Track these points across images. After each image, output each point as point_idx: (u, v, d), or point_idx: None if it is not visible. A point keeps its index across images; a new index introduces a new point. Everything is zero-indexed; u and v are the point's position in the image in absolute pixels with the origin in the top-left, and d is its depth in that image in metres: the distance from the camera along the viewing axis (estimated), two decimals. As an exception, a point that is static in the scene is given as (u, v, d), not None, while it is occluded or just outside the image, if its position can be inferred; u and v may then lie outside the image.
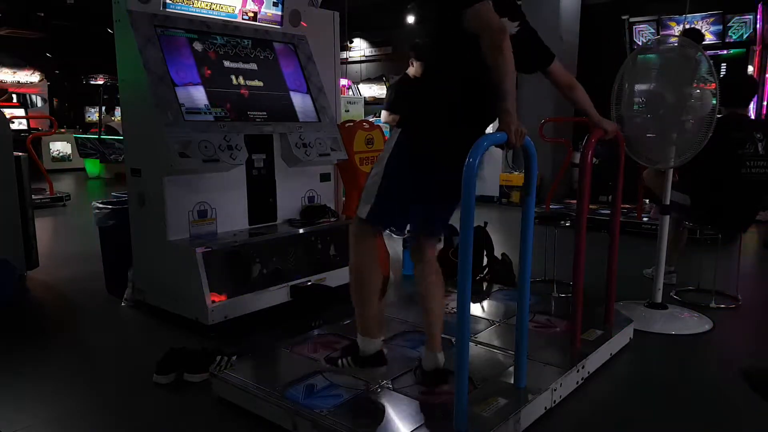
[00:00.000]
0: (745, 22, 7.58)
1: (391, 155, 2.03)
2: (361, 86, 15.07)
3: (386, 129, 4.34)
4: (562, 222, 3.79)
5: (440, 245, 2.15)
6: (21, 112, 12.35)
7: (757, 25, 7.13)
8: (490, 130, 1.95)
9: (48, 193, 7.44)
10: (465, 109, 1.99)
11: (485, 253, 3.81)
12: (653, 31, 7.95)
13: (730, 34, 7.74)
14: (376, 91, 15.03)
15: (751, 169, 3.29)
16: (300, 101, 3.54)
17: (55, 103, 14.25)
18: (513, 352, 2.18)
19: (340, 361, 2.21)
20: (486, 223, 3.88)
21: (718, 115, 2.89)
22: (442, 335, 2.19)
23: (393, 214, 2.12)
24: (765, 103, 7.03)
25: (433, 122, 2.00)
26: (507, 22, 1.93)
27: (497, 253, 3.85)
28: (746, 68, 7.42)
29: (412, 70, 4.60)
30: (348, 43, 16.15)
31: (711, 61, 2.85)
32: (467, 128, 1.96)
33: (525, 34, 2.10)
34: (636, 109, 2.99)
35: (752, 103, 6.88)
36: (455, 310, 1.82)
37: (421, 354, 2.24)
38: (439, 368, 2.15)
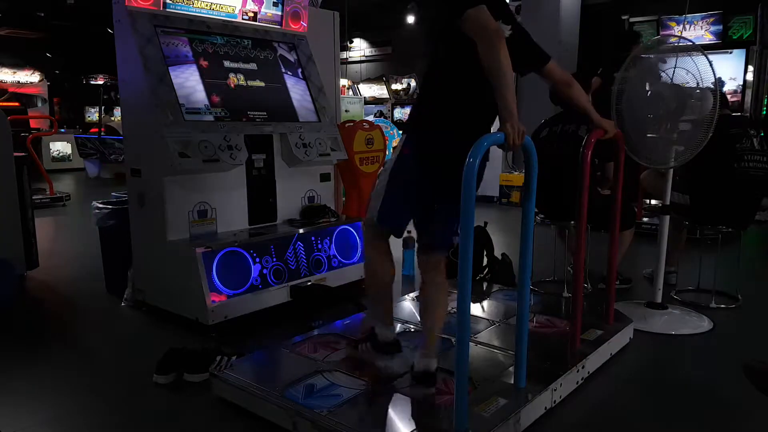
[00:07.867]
0: (745, 22, 7.59)
1: (399, 155, 2.13)
2: (361, 86, 15.06)
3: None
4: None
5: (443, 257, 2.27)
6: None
7: (757, 26, 7.13)
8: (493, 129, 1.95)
9: (48, 193, 7.44)
10: (464, 108, 2.03)
11: (485, 253, 3.81)
12: (653, 30, 7.96)
13: (730, 34, 7.75)
14: (376, 91, 15.02)
15: (749, 163, 3.30)
16: (300, 101, 3.55)
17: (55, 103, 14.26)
18: (513, 352, 2.18)
19: (360, 346, 2.33)
20: (486, 223, 3.88)
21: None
22: (444, 335, 2.21)
23: (397, 213, 2.18)
24: (765, 102, 7.03)
25: (437, 122, 2.07)
26: (502, 26, 1.94)
27: (497, 253, 3.85)
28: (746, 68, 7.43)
29: None
30: (348, 43, 16.14)
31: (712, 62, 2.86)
32: (468, 127, 1.98)
33: (518, 36, 2.10)
34: (636, 109, 2.99)
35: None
36: (455, 310, 1.82)
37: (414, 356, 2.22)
38: (429, 371, 2.13)
